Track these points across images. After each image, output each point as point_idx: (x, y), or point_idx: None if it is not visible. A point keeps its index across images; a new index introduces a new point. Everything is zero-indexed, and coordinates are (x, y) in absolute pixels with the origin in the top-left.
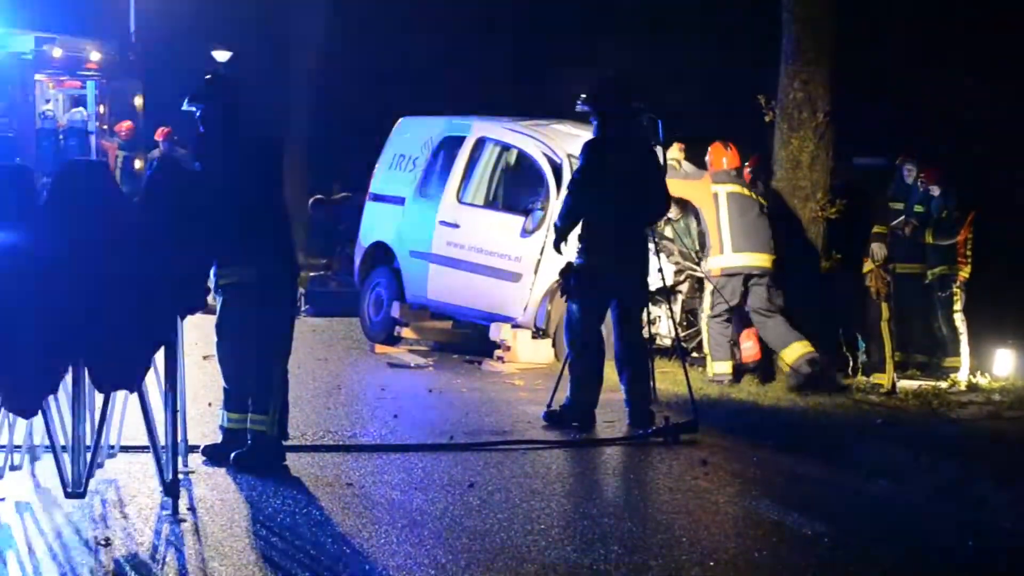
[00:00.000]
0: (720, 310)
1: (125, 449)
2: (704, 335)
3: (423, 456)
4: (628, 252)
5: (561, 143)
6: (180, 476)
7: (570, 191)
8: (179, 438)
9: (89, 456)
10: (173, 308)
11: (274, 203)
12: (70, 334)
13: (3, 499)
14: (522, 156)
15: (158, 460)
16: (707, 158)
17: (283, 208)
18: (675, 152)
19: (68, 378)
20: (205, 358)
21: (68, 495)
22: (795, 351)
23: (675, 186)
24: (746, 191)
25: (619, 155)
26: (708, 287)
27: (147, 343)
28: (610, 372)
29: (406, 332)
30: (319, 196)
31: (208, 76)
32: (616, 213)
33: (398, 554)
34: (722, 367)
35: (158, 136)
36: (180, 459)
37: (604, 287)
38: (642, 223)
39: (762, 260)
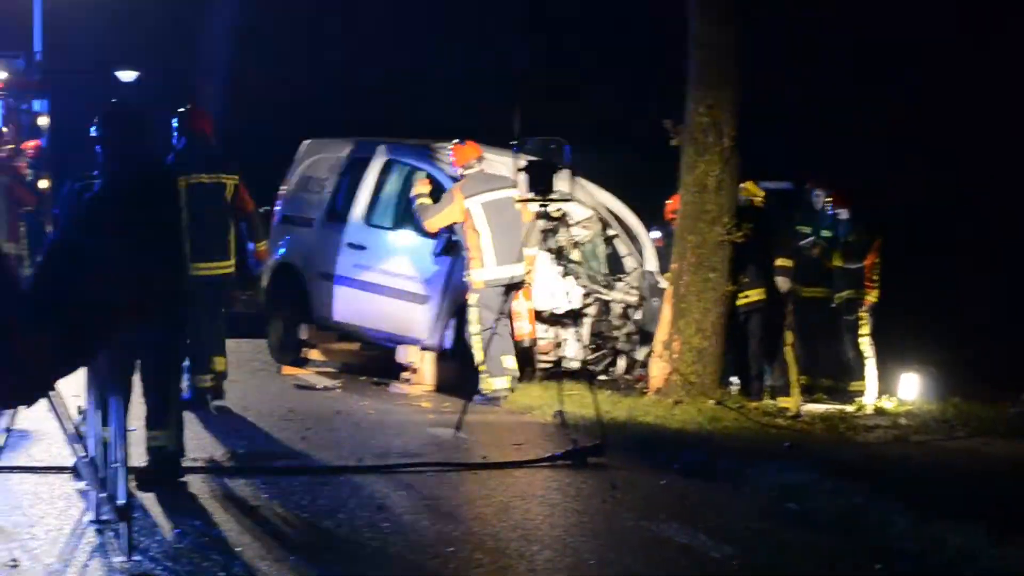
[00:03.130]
0: (489, 323)
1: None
2: (476, 352)
3: (331, 479)
4: None
5: None
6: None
7: None
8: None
9: None
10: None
11: (168, 225)
12: None
13: None
14: (430, 178)
15: (100, 482)
16: (453, 163)
17: (175, 228)
18: (422, 187)
19: None
20: None
21: None
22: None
23: (434, 222)
24: (500, 194)
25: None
26: (472, 300)
27: (56, 361)
28: (520, 395)
29: (313, 354)
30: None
31: (113, 101)
32: None
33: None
34: (500, 383)
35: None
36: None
37: None
38: None
39: (517, 270)
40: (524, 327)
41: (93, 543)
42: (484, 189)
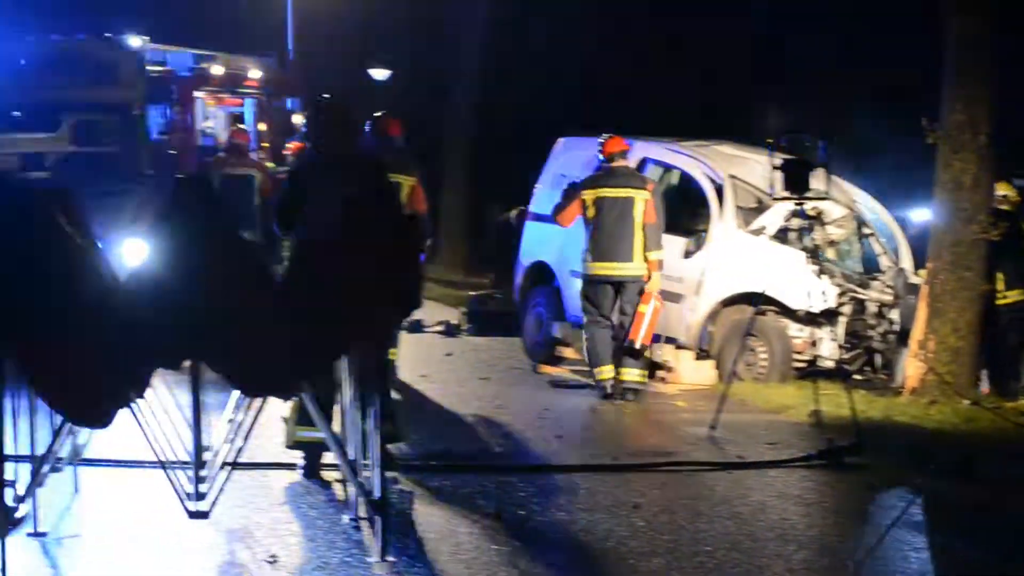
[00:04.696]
0: (591, 316)
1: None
2: (584, 342)
3: (587, 477)
4: None
5: (723, 164)
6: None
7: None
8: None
9: (213, 471)
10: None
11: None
12: (165, 340)
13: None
14: (684, 177)
15: (353, 475)
16: (600, 153)
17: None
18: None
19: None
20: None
21: (192, 515)
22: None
23: (560, 217)
24: (618, 191)
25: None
26: (581, 291)
27: (309, 347)
28: (775, 394)
29: (568, 352)
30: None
31: (324, 96)
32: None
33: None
34: (602, 373)
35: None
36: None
37: None
38: None
39: (620, 268)
40: (638, 330)
41: (350, 540)
42: (605, 185)
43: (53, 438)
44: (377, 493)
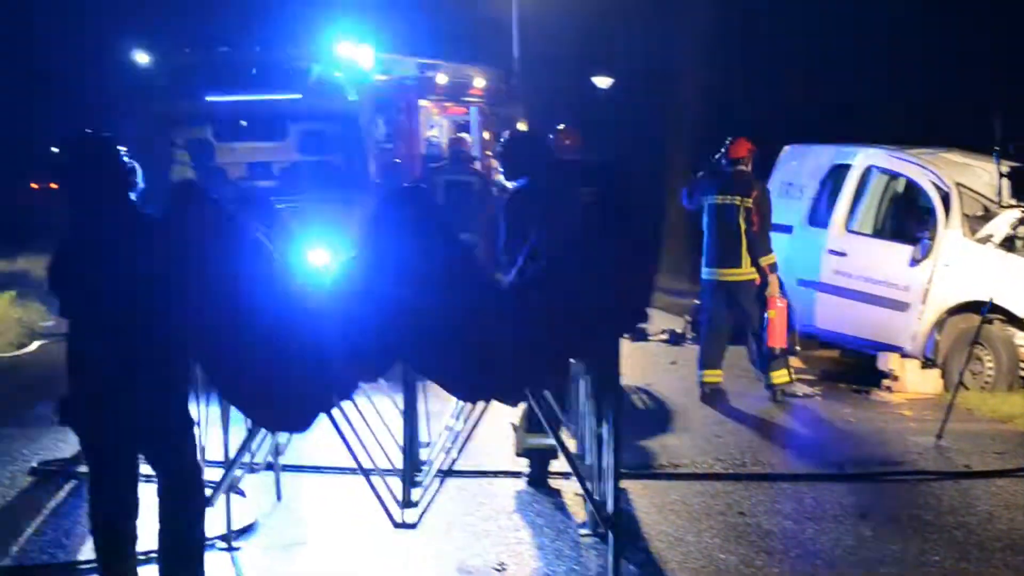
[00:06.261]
0: (706, 318)
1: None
2: (700, 343)
3: (814, 485)
4: None
5: (950, 172)
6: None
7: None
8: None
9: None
10: (595, 327)
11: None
12: (372, 345)
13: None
14: (910, 185)
15: (583, 484)
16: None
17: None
18: None
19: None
20: None
21: (397, 526)
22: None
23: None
24: (724, 198)
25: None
26: None
27: (541, 355)
28: (1002, 403)
29: (794, 360)
30: None
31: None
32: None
33: None
34: (709, 376)
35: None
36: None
37: None
38: None
39: (728, 274)
40: (772, 336)
41: (578, 550)
42: (714, 191)
43: (246, 438)
44: (611, 506)
